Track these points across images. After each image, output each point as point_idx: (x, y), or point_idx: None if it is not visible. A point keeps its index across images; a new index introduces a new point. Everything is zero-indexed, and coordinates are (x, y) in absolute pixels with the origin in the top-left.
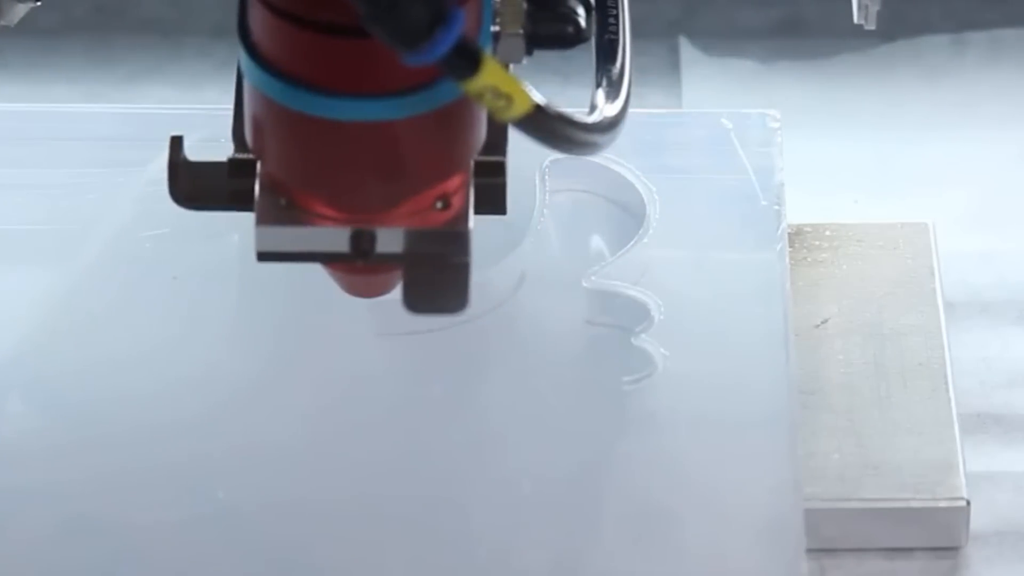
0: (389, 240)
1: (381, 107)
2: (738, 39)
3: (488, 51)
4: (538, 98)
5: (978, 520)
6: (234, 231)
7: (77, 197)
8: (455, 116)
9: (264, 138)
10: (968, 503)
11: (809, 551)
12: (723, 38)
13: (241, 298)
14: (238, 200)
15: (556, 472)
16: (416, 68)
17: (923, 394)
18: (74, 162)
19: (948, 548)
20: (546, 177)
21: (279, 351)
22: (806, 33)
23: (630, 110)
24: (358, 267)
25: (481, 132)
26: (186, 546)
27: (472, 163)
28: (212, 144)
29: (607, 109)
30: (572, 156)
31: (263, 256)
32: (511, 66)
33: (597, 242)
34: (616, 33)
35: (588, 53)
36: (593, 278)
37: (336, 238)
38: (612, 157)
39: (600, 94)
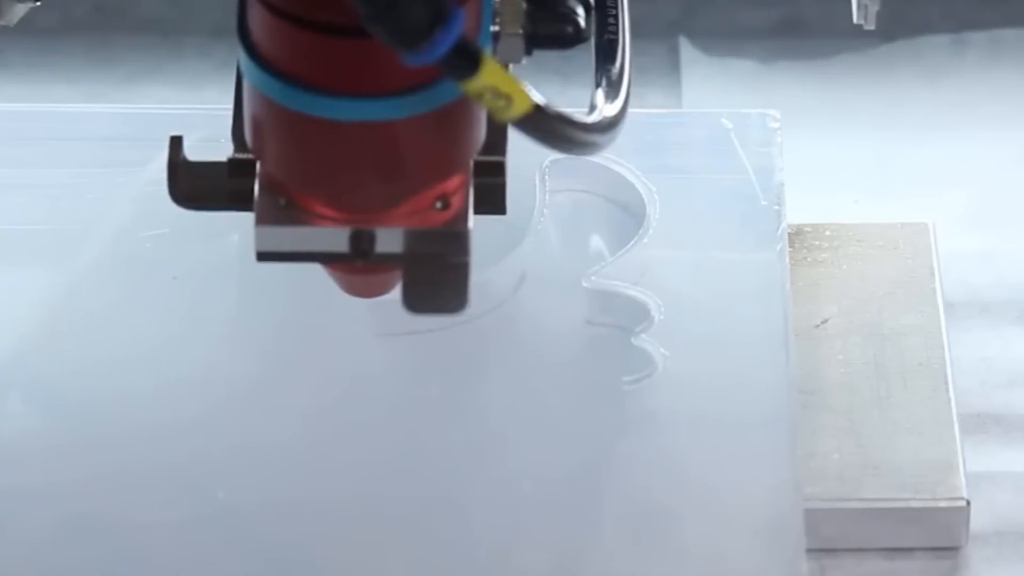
0: (388, 240)
1: (380, 107)
2: (738, 39)
3: (488, 51)
4: (538, 98)
5: (978, 520)
6: (234, 231)
7: (77, 197)
8: (455, 116)
9: (263, 138)
10: (968, 503)
11: (809, 551)
12: (723, 38)
13: (241, 298)
14: (238, 200)
15: (556, 472)
16: (416, 68)
17: (923, 394)
18: (74, 162)
19: (948, 548)
20: (546, 177)
21: (279, 351)
22: (806, 33)
23: (630, 110)
24: (357, 267)
25: (481, 132)
26: (186, 546)
27: (472, 163)
28: (212, 144)
29: (607, 109)
30: (572, 156)
31: (262, 256)
32: (511, 66)
33: (597, 242)
34: (616, 33)
35: (588, 53)
36: (593, 278)
37: (335, 238)
38: (612, 157)
39: (599, 94)
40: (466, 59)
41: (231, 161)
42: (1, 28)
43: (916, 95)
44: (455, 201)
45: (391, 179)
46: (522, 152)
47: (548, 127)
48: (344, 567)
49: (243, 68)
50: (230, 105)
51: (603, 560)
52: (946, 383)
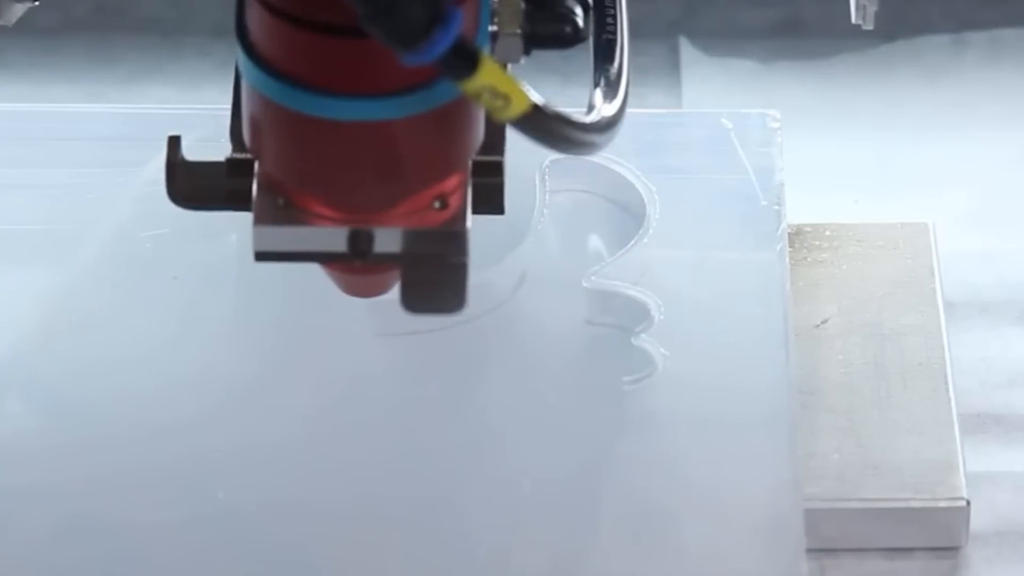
0: (387, 240)
1: (379, 107)
2: (738, 39)
3: (486, 51)
4: (536, 98)
5: (978, 520)
6: (232, 231)
7: (77, 197)
8: (453, 116)
9: (262, 138)
10: (968, 503)
11: (809, 551)
12: (723, 38)
13: (239, 298)
14: (236, 200)
15: (556, 472)
16: (414, 68)
17: (923, 394)
18: (74, 162)
19: (948, 548)
20: (546, 177)
21: (278, 351)
22: (806, 33)
23: (630, 110)
24: (356, 267)
25: (479, 132)
26: (184, 546)
27: (470, 163)
28: (210, 144)
29: (605, 109)
30: (572, 156)
31: (261, 256)
32: (509, 66)
33: (597, 242)
34: (614, 33)
35: (588, 53)
36: (593, 278)
37: (334, 238)
38: (612, 157)
39: (598, 94)
40: (464, 59)
41: (229, 161)
42: (0, 28)
43: (916, 95)
44: (453, 201)
45: (389, 179)
46: (522, 152)
47: (546, 127)
48: (343, 567)
49: (241, 68)
50: (229, 105)
51: (603, 560)
52: (946, 383)
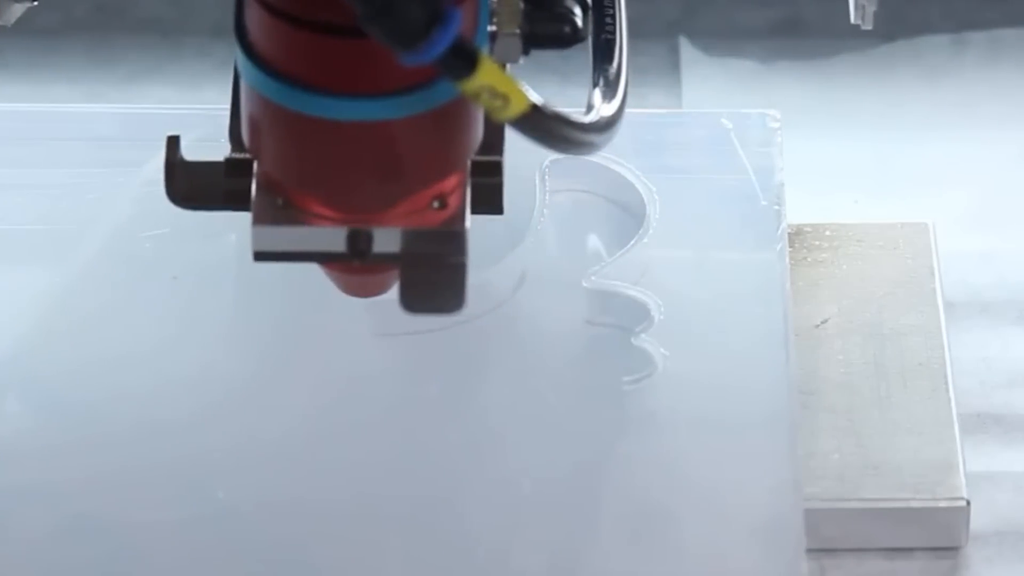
0: (386, 240)
1: (378, 107)
2: (738, 39)
3: (485, 51)
4: (535, 98)
5: (978, 520)
6: (231, 231)
7: (77, 197)
8: (452, 116)
9: (261, 138)
10: (968, 503)
11: (809, 551)
12: (723, 38)
13: (238, 298)
14: (235, 200)
15: (556, 472)
16: (413, 68)
17: (923, 394)
18: (74, 162)
19: (948, 548)
20: (546, 177)
21: (277, 351)
22: (806, 33)
23: (630, 110)
24: (355, 267)
25: (478, 132)
26: (184, 545)
27: (469, 163)
28: (209, 144)
29: (604, 109)
30: (572, 156)
31: (260, 256)
32: (508, 66)
33: (597, 242)
34: (613, 33)
35: (587, 53)
36: (593, 278)
37: (333, 238)
38: (612, 157)
39: (597, 94)
40: (463, 59)
41: (228, 161)
42: (0, 28)
43: (916, 95)
44: (452, 201)
45: (388, 179)
46: (522, 152)
47: (545, 127)
48: (342, 567)
49: (240, 68)
50: (228, 105)
51: (603, 560)
52: (946, 383)
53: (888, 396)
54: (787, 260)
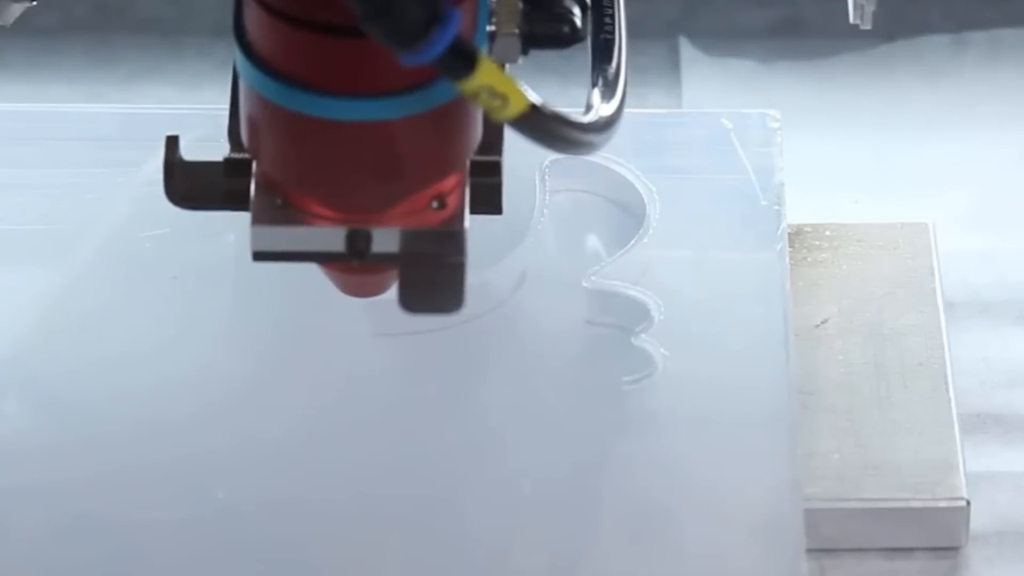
0: (385, 240)
1: (377, 107)
2: (738, 39)
3: (484, 51)
4: (534, 98)
5: (978, 520)
6: (230, 231)
7: (77, 197)
8: (451, 116)
9: (259, 138)
10: (968, 503)
11: (809, 551)
12: (723, 38)
13: (237, 298)
14: (234, 200)
15: (556, 472)
16: (412, 68)
17: (923, 394)
18: (74, 162)
19: (948, 548)
20: (546, 177)
21: (276, 350)
22: (806, 33)
23: (630, 110)
24: (354, 267)
25: (477, 132)
26: (183, 545)
27: (468, 163)
28: (209, 144)
29: (603, 109)
30: (571, 156)
31: (259, 256)
32: (507, 66)
33: (597, 242)
34: (612, 32)
35: (587, 53)
36: (593, 278)
37: (332, 238)
38: (612, 157)
39: (596, 94)
40: (462, 59)
41: (227, 161)
42: None
43: (916, 95)
44: (451, 201)
45: (387, 179)
46: (522, 152)
47: (544, 127)
48: (342, 567)
49: (239, 68)
50: (228, 105)
51: (602, 560)
52: (946, 383)
53: (888, 396)
54: (787, 260)
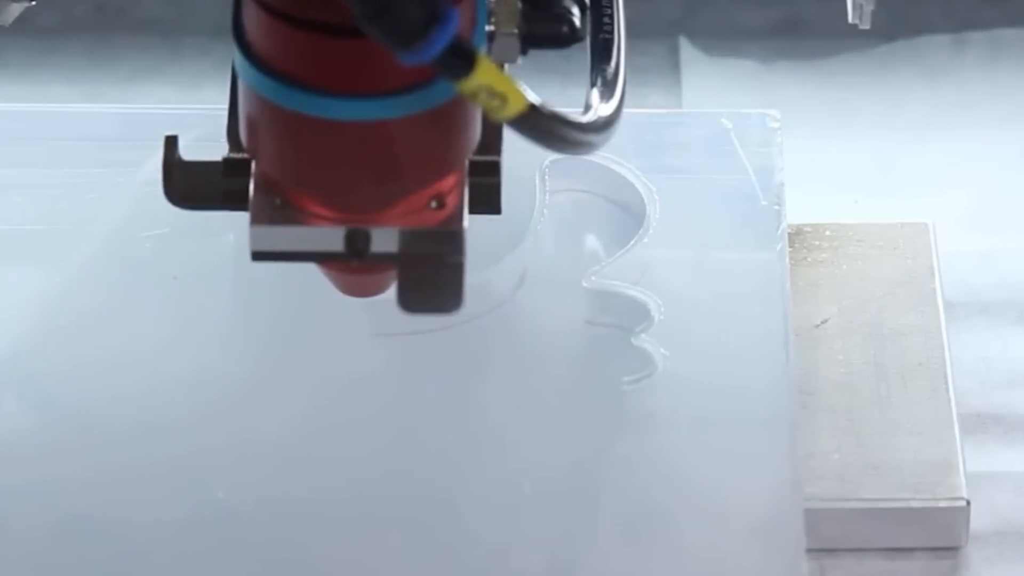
0: (384, 240)
1: (376, 107)
2: (738, 39)
3: (483, 51)
4: (533, 98)
5: (978, 520)
6: (229, 231)
7: (77, 197)
8: (450, 116)
9: (258, 137)
10: (968, 503)
11: (809, 551)
12: (723, 38)
13: (236, 298)
14: (233, 200)
15: (556, 472)
16: (411, 68)
17: (923, 394)
18: (74, 162)
19: (948, 548)
20: (546, 177)
21: (275, 350)
22: (806, 33)
23: (630, 110)
24: (353, 267)
25: (476, 132)
26: (182, 545)
27: (467, 163)
28: (209, 144)
29: (602, 108)
30: (571, 156)
31: (257, 256)
32: (507, 66)
33: (597, 242)
34: (611, 32)
35: (587, 53)
36: (593, 278)
37: (331, 238)
38: (612, 157)
39: (595, 93)
40: (461, 58)
41: (226, 161)
42: None
43: (916, 95)
44: (450, 201)
45: (386, 179)
46: (522, 152)
47: (543, 127)
48: (341, 567)
49: (238, 68)
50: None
51: (602, 560)
52: (946, 383)
53: (888, 396)
54: (787, 260)
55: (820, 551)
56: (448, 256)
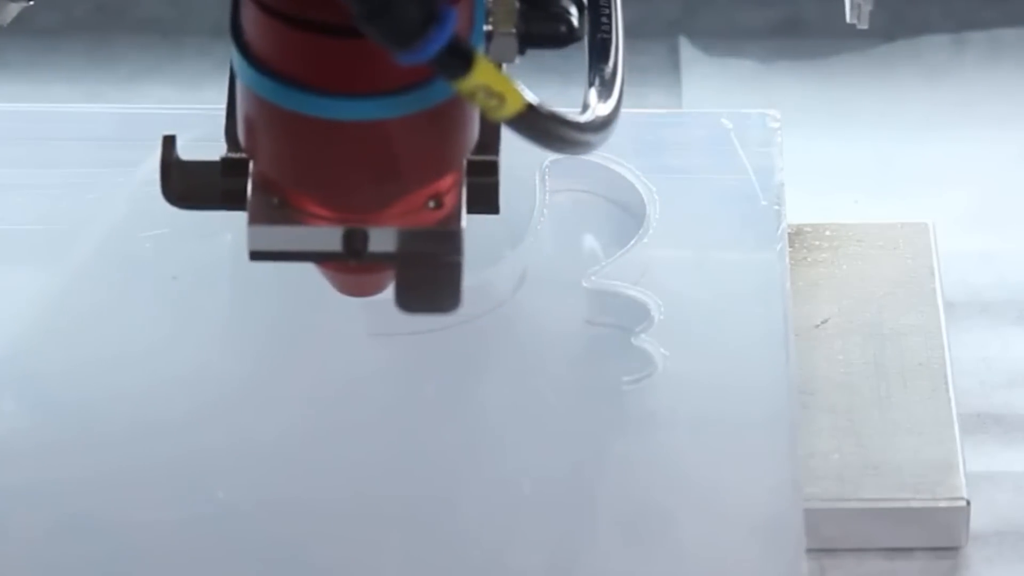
0: (382, 239)
1: (374, 106)
2: (738, 39)
3: (481, 50)
4: (530, 97)
5: (978, 520)
6: (227, 230)
7: (76, 197)
8: (448, 115)
9: (256, 137)
10: (968, 503)
11: (809, 551)
12: (723, 38)
13: (235, 297)
14: (231, 199)
15: (555, 472)
16: (409, 67)
17: (923, 394)
18: (74, 162)
19: (948, 548)
20: (546, 177)
21: (273, 350)
22: (806, 33)
23: (630, 110)
24: (351, 266)
25: (474, 131)
26: (181, 545)
27: (465, 162)
28: (208, 143)
29: (600, 108)
30: (571, 156)
31: (256, 255)
32: (504, 65)
33: (597, 242)
34: (609, 32)
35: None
36: (593, 278)
37: (329, 237)
38: (612, 157)
39: (593, 93)
40: (459, 58)
41: (224, 160)
42: None
43: (916, 95)
44: (448, 200)
45: (384, 178)
46: (522, 152)
47: (541, 126)
48: (340, 567)
49: (236, 67)
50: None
51: (602, 560)
52: (946, 383)
53: (888, 396)
54: (787, 260)
55: (820, 551)
56: (446, 256)
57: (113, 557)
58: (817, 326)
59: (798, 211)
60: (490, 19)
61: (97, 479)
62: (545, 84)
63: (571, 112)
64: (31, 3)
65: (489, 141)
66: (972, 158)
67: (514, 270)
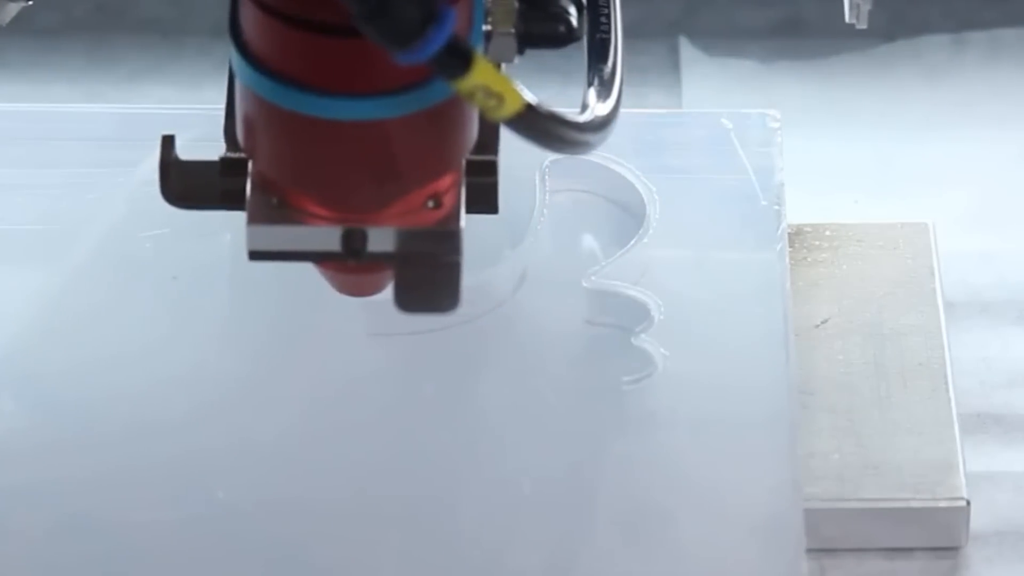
0: (381, 239)
1: (373, 106)
2: (738, 39)
3: (479, 50)
4: (529, 97)
5: (978, 520)
6: (226, 230)
7: (75, 197)
8: (447, 115)
9: (255, 137)
10: (968, 503)
11: (809, 551)
12: (723, 38)
13: (234, 297)
14: (230, 199)
15: (555, 472)
16: (407, 67)
17: (923, 394)
18: (73, 162)
19: (948, 548)
20: (546, 177)
21: (272, 350)
22: (806, 33)
23: (630, 110)
24: (350, 266)
25: (473, 131)
26: (180, 544)
27: (464, 162)
28: (208, 143)
29: (599, 108)
30: (571, 156)
31: (255, 255)
32: (503, 65)
33: (596, 242)
34: (608, 32)
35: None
36: (593, 278)
37: (328, 237)
38: (612, 157)
39: (592, 93)
40: (458, 58)
41: (223, 160)
42: None
43: (916, 95)
44: (447, 200)
45: (383, 178)
46: (522, 152)
47: (540, 126)
48: (340, 566)
49: (235, 67)
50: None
51: (602, 560)
52: (946, 383)
53: (888, 396)
54: (787, 260)
55: (820, 551)
56: (445, 256)
57: (113, 557)
58: (817, 326)
59: (798, 211)
60: (489, 19)
61: (97, 479)
62: (545, 84)
63: (570, 112)
64: (31, 3)
65: (488, 141)
66: (972, 158)
67: (514, 270)
